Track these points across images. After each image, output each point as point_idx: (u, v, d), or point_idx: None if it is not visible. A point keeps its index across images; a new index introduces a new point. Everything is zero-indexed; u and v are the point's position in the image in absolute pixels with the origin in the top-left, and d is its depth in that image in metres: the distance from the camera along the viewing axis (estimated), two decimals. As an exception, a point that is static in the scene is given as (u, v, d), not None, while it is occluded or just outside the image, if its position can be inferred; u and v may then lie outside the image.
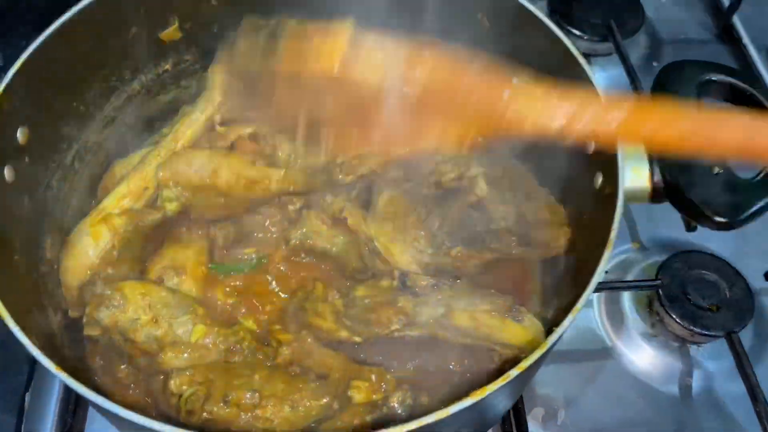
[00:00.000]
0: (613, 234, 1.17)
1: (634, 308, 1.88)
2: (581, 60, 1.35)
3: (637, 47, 2.43)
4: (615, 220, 1.18)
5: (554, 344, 1.14)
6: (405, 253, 1.57)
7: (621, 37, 2.22)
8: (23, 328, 1.03)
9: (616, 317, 1.88)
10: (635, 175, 1.32)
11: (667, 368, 1.79)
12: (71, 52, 1.44)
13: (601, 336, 1.86)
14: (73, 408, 1.67)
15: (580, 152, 1.42)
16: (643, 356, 1.82)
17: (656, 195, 1.37)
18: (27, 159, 1.38)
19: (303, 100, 1.26)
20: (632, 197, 1.32)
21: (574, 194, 1.48)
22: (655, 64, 2.45)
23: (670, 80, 1.49)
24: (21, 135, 1.36)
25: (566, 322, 1.10)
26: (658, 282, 1.75)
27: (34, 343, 1.01)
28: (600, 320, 1.87)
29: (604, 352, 1.83)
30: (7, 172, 1.31)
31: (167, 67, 1.72)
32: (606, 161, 1.31)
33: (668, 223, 1.92)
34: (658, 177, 1.36)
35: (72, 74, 1.49)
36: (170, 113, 1.74)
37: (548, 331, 1.42)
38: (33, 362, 1.75)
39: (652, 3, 2.57)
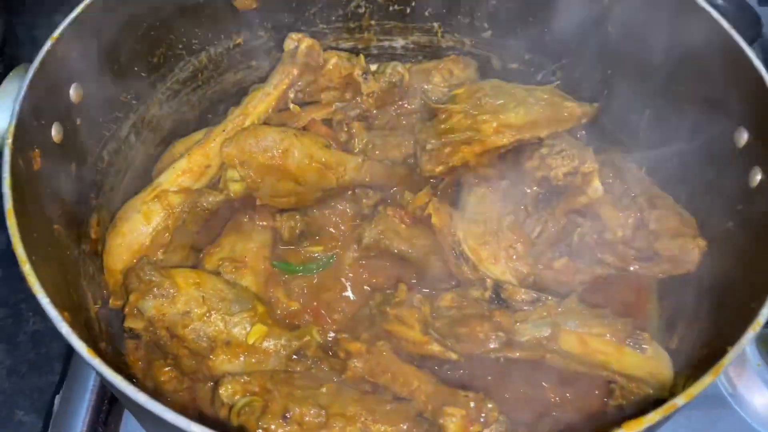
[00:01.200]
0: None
1: (757, 351, 1.58)
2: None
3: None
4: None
5: (684, 406, 0.87)
6: (498, 261, 1.34)
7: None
8: (54, 303, 0.83)
9: (735, 361, 1.57)
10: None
11: (799, 423, 1.49)
12: (136, 5, 1.28)
13: (716, 381, 1.56)
14: (105, 416, 1.47)
15: (722, 146, 1.18)
16: (768, 407, 1.52)
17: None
18: (78, 121, 1.22)
19: None
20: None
21: (712, 199, 1.22)
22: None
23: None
24: (74, 92, 1.20)
25: (730, 357, 0.84)
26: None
27: (65, 319, 0.81)
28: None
29: (722, 402, 1.54)
30: (55, 131, 1.15)
31: (239, 41, 1.56)
32: (767, 152, 1.06)
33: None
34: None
35: (134, 32, 1.33)
36: (238, 96, 1.57)
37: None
38: (66, 361, 1.57)
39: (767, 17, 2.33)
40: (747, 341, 0.82)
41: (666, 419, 0.76)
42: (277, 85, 1.42)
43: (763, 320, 0.84)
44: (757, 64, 1.11)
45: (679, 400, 0.75)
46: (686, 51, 1.26)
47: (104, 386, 1.50)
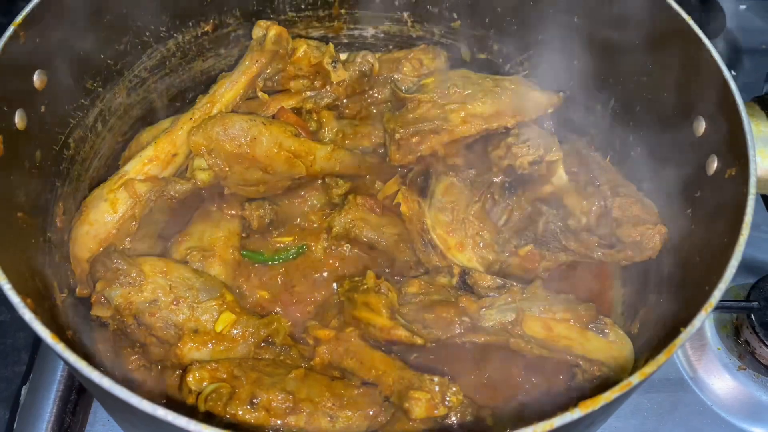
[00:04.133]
0: (745, 232, 0.94)
1: (717, 336, 1.62)
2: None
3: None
4: (747, 212, 0.95)
5: (639, 385, 0.89)
6: (465, 249, 1.36)
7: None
8: (17, 289, 0.83)
9: (695, 345, 1.62)
10: (762, 159, 1.10)
11: (757, 405, 1.53)
12: (103, -7, 1.27)
13: (677, 364, 1.60)
14: (73, 406, 1.46)
15: (680, 135, 1.21)
16: (728, 391, 1.56)
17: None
18: (42, 108, 1.21)
19: None
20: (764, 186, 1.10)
21: (673, 186, 1.25)
22: (733, 73, 2.23)
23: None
24: (38, 79, 1.18)
25: (682, 338, 0.86)
26: (754, 305, 1.50)
27: (27, 306, 0.80)
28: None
29: (683, 384, 1.58)
30: (18, 118, 1.14)
31: (207, 28, 1.55)
32: (723, 140, 1.09)
33: (759, 239, 1.68)
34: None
35: (100, 18, 1.31)
36: (206, 84, 1.56)
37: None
38: (33, 351, 1.55)
39: (731, 10, 2.37)
40: (699, 322, 0.85)
41: (622, 397, 0.78)
42: (245, 72, 1.42)
43: (715, 302, 0.87)
44: (715, 54, 1.13)
45: (635, 379, 0.78)
46: (649, 42, 1.28)
47: (72, 376, 1.49)
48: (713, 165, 1.13)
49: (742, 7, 2.46)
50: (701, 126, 1.18)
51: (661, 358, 0.80)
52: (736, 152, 1.04)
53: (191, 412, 1.09)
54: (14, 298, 0.82)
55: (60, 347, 0.78)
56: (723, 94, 1.11)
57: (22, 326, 1.68)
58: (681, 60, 1.23)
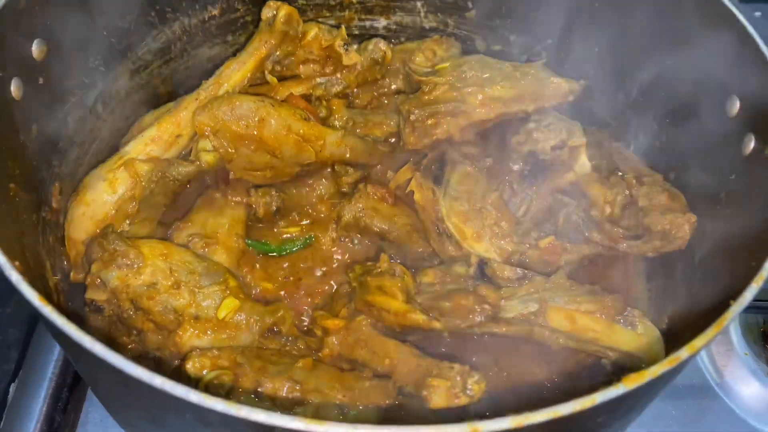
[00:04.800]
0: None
1: (743, 340, 1.54)
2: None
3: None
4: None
5: (688, 360, 0.81)
6: (483, 239, 1.28)
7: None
8: (3, 250, 0.75)
9: (721, 350, 1.54)
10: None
11: (787, 414, 1.45)
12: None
13: (703, 370, 1.52)
14: (64, 404, 1.38)
15: (711, 117, 1.15)
16: (757, 397, 1.48)
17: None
18: (41, 80, 1.15)
19: None
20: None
21: (702, 172, 1.19)
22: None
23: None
24: (37, 48, 1.13)
25: (732, 310, 0.79)
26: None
27: (16, 268, 0.73)
28: (701, 352, 1.53)
29: (709, 391, 1.49)
30: (15, 87, 1.08)
31: (215, 12, 1.50)
32: (761, 118, 1.03)
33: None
34: None
35: (106, -7, 1.26)
36: (212, 72, 1.49)
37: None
38: (24, 348, 1.48)
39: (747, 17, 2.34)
40: (751, 294, 0.78)
41: (670, 374, 0.70)
42: (254, 53, 1.36)
43: (767, 274, 0.80)
44: (750, 30, 1.08)
45: (683, 353, 0.70)
46: (676, 22, 1.23)
47: (63, 373, 1.41)
48: (750, 144, 1.06)
49: (757, 14, 2.43)
50: (735, 105, 1.11)
51: (710, 331, 0.73)
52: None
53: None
54: (1, 258, 0.74)
55: (48, 310, 0.71)
56: (761, 69, 1.05)
57: (12, 322, 1.62)
58: (710, 39, 1.17)
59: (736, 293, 0.78)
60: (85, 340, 0.67)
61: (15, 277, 0.73)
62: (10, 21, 1.06)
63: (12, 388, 1.40)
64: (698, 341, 0.72)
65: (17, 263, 0.75)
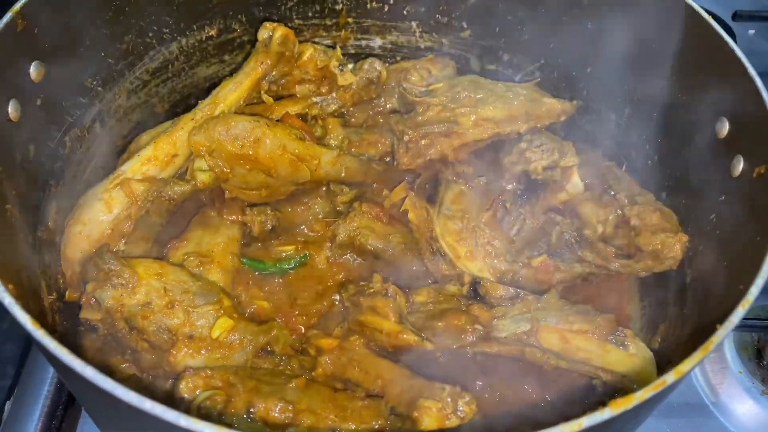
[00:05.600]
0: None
1: (738, 358, 1.54)
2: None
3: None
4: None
5: (675, 384, 0.82)
6: (476, 258, 1.30)
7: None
8: (2, 278, 0.76)
9: (715, 368, 1.54)
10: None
11: (783, 433, 1.45)
12: (106, -13, 1.24)
13: (698, 388, 1.52)
14: (59, 422, 1.39)
15: (701, 138, 1.16)
16: (752, 416, 1.48)
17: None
18: (38, 101, 1.16)
19: None
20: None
21: (693, 193, 1.19)
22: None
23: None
24: (35, 70, 1.14)
25: (719, 335, 0.80)
26: (784, 324, 1.43)
27: (9, 291, 0.74)
28: (696, 370, 1.53)
29: (704, 409, 1.49)
30: (12, 108, 1.09)
31: (212, 33, 1.51)
32: (749, 140, 1.04)
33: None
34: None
35: (103, 14, 1.28)
36: (209, 91, 1.50)
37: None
38: (20, 365, 1.48)
39: (741, 34, 2.36)
40: (737, 318, 0.78)
41: (656, 398, 0.71)
42: (250, 74, 1.38)
43: (753, 298, 0.80)
44: (739, 53, 1.09)
45: (669, 377, 0.71)
46: (668, 44, 1.24)
47: (59, 391, 1.41)
48: (739, 166, 1.07)
49: (751, 32, 2.45)
50: (724, 127, 1.13)
51: (697, 355, 0.73)
52: (766, 149, 0.99)
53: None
54: (-7, 282, 0.75)
55: (40, 333, 0.71)
56: (749, 92, 1.06)
57: (8, 338, 1.62)
58: (702, 62, 1.19)
59: (723, 317, 0.79)
60: (75, 363, 0.67)
61: (8, 300, 0.74)
62: (9, 43, 1.07)
63: (7, 405, 1.40)
64: (684, 365, 0.72)
65: (11, 286, 0.76)
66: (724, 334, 0.76)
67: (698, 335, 0.95)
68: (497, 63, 1.60)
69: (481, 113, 1.33)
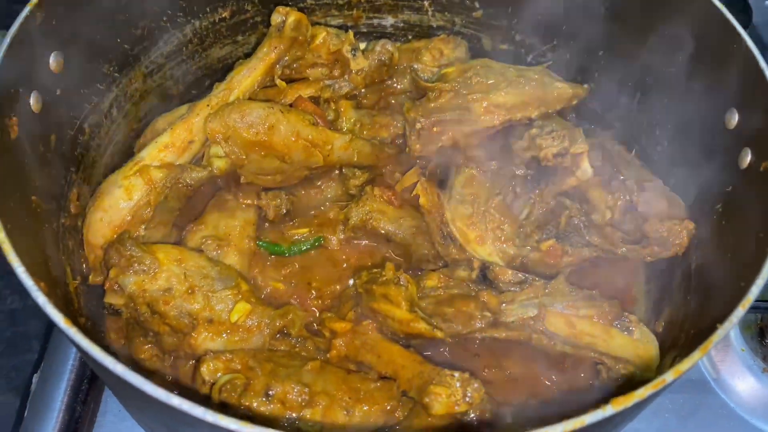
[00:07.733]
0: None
1: (741, 337, 1.57)
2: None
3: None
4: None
5: (673, 382, 0.85)
6: (485, 242, 1.32)
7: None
8: (30, 273, 0.80)
9: (718, 346, 1.57)
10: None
11: (782, 410, 1.49)
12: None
13: (700, 365, 1.55)
14: (84, 395, 1.44)
15: (711, 128, 1.17)
16: (752, 393, 1.51)
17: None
18: (58, 91, 1.18)
19: None
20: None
21: (701, 181, 1.21)
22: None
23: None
24: (54, 61, 1.16)
25: (719, 334, 0.82)
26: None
27: (41, 289, 0.78)
28: (699, 346, 1.57)
29: (706, 386, 1.53)
30: (34, 100, 1.11)
31: (225, 14, 1.52)
32: (758, 132, 1.05)
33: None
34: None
35: (119, 3, 1.29)
36: (223, 72, 1.53)
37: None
38: (45, 339, 1.54)
39: (757, 6, 2.32)
40: (737, 318, 0.81)
41: (654, 396, 0.75)
42: (263, 59, 1.39)
43: (753, 297, 0.83)
44: (751, 44, 1.10)
45: (668, 376, 0.74)
46: (680, 32, 1.24)
47: (83, 365, 1.47)
48: (747, 158, 1.09)
49: (768, 2, 2.40)
50: (734, 118, 1.14)
51: (696, 355, 0.76)
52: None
53: (205, 402, 1.06)
54: (28, 282, 0.80)
55: (73, 331, 0.76)
56: (759, 84, 1.07)
57: (34, 314, 1.67)
58: (713, 51, 1.19)
59: (723, 316, 0.82)
60: (107, 361, 0.72)
61: (42, 299, 0.78)
62: (29, 36, 1.09)
63: (35, 378, 1.46)
64: (684, 365, 0.76)
65: (42, 284, 0.80)
66: (724, 333, 0.79)
67: (701, 321, 0.98)
68: (510, 43, 1.61)
69: (492, 99, 1.34)
